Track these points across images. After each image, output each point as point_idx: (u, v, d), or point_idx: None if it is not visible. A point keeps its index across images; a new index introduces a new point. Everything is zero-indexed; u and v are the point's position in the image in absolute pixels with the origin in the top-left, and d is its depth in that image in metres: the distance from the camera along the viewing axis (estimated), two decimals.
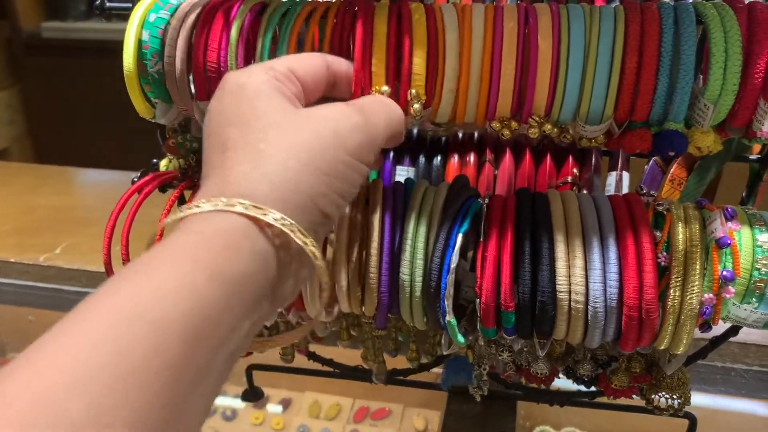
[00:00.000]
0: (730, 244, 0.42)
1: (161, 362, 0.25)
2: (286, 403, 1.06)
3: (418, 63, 0.43)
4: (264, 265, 0.31)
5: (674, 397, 0.51)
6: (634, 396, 0.54)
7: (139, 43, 0.46)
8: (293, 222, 0.32)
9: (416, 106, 0.44)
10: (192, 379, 0.27)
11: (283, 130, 0.33)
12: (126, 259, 0.50)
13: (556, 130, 0.44)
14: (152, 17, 0.46)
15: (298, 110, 0.35)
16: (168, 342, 0.26)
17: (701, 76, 0.45)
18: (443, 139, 0.63)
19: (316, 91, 0.39)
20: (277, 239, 0.32)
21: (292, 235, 0.32)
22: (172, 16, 0.46)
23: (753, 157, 0.57)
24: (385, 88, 0.42)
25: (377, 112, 0.38)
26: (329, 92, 0.41)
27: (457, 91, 0.43)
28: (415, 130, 0.64)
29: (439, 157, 0.61)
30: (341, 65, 0.41)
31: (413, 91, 0.44)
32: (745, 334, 0.70)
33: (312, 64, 0.39)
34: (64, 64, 2.59)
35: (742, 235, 0.44)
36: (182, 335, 0.26)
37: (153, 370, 0.25)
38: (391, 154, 0.62)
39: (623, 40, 0.41)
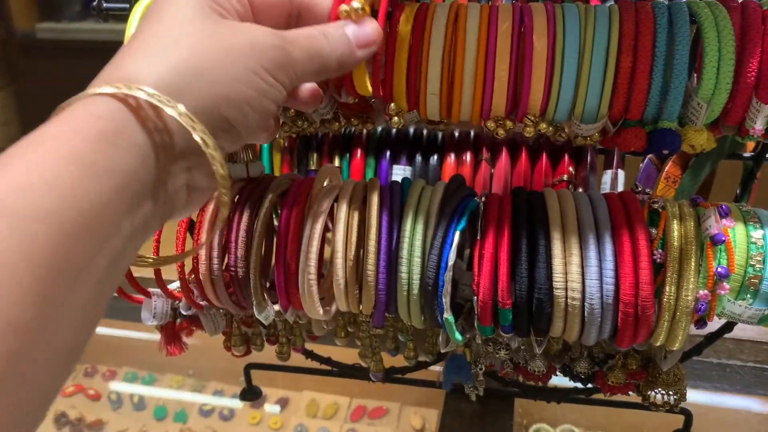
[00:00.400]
0: (724, 240, 0.43)
1: (29, 258, 0.24)
2: (283, 403, 1.06)
3: (399, 66, 0.43)
4: (143, 157, 0.29)
5: (670, 393, 0.52)
6: (630, 392, 0.54)
7: None
8: (177, 104, 0.29)
9: (395, 119, 0.45)
10: (68, 278, 0.25)
11: (196, 29, 0.32)
12: None
13: (551, 129, 0.44)
14: None
15: (222, 19, 0.34)
16: (35, 237, 0.24)
17: (695, 75, 0.45)
18: (439, 138, 0.63)
19: (271, 16, 0.38)
20: (160, 124, 0.30)
21: (171, 112, 0.29)
22: None
23: (747, 154, 0.58)
24: (356, 4, 0.39)
25: (302, 42, 0.36)
26: (295, 24, 0.40)
27: (442, 93, 0.43)
28: (411, 129, 0.64)
29: (435, 156, 0.62)
30: None
31: (392, 105, 0.44)
32: (740, 331, 0.71)
33: None
34: (59, 65, 2.58)
35: (736, 232, 0.44)
36: (47, 227, 0.25)
37: (21, 266, 0.24)
38: (388, 153, 0.62)
39: (618, 40, 0.41)
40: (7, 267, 0.23)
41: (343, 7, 0.40)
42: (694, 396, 0.69)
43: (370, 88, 0.43)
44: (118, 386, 1.12)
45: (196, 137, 0.30)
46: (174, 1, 0.33)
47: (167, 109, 0.29)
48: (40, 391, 0.25)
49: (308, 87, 0.42)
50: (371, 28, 0.39)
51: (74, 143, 0.27)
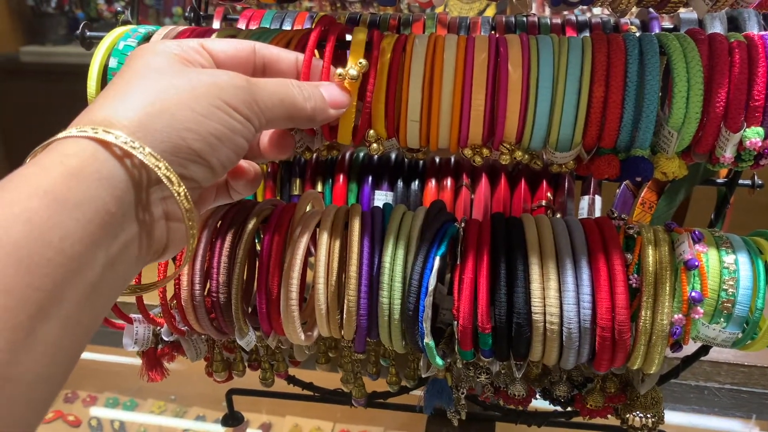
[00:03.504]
0: (697, 266, 0.44)
1: None
2: (266, 428, 1.05)
3: (379, 93, 0.44)
4: (112, 189, 0.30)
5: (648, 416, 0.52)
6: (609, 416, 0.55)
7: (105, 70, 0.47)
8: (144, 145, 0.31)
9: (374, 146, 0.46)
10: (38, 307, 0.26)
11: (161, 75, 0.34)
12: None
13: (527, 156, 0.45)
14: (121, 45, 0.48)
15: (188, 67, 0.36)
16: (2, 268, 0.25)
17: (667, 105, 0.46)
18: (420, 164, 0.64)
19: (236, 71, 0.39)
20: (128, 161, 0.31)
21: (136, 153, 0.31)
22: (139, 43, 0.48)
23: (720, 180, 0.59)
24: (353, 71, 0.43)
25: (270, 86, 0.38)
26: (261, 75, 0.42)
27: (422, 120, 0.44)
28: (393, 155, 0.65)
29: (417, 182, 0.62)
30: (270, 49, 0.42)
31: (371, 131, 0.46)
32: (717, 353, 0.72)
33: (233, 45, 0.40)
34: (43, 88, 2.58)
35: (709, 257, 0.45)
36: (16, 260, 0.26)
37: None
38: (370, 179, 0.63)
39: (590, 71, 0.42)
40: None
41: (339, 70, 0.43)
42: (673, 418, 0.70)
43: (350, 138, 0.45)
44: (99, 412, 1.10)
45: (160, 175, 0.32)
46: (144, 55, 0.36)
47: (133, 151, 0.31)
48: (17, 421, 0.26)
49: (268, 139, 0.44)
50: (342, 93, 0.43)
51: (43, 180, 0.28)
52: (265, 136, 0.44)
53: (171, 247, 0.36)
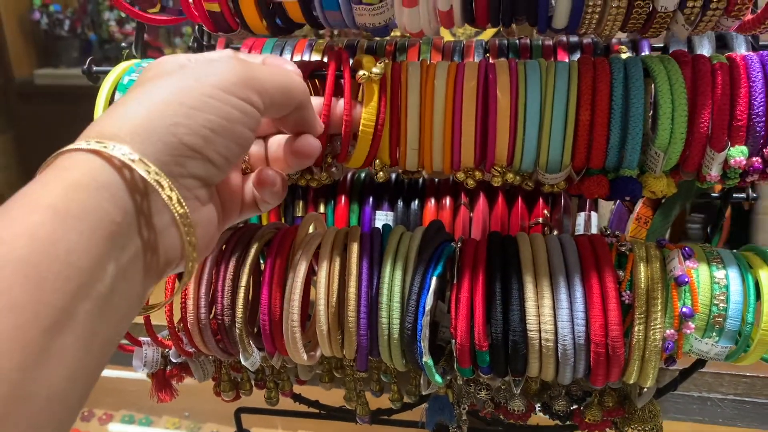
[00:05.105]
0: (687, 282, 0.45)
1: (8, 306, 0.25)
2: None
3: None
4: (113, 199, 0.30)
5: (646, 429, 0.53)
6: (607, 429, 0.56)
7: (111, 104, 0.48)
8: (139, 154, 0.31)
9: (380, 174, 0.48)
10: (49, 322, 0.26)
11: (153, 81, 0.34)
12: None
13: (518, 178, 0.46)
14: (126, 80, 0.49)
15: (184, 66, 0.36)
16: (12, 285, 0.25)
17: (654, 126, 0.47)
18: (420, 183, 0.65)
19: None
20: (125, 170, 0.31)
21: (132, 165, 0.30)
22: None
23: (715, 194, 0.60)
24: (376, 70, 0.45)
25: (263, 67, 0.37)
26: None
27: (420, 148, 0.46)
28: (393, 176, 0.66)
29: (416, 201, 0.64)
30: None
31: (377, 161, 0.47)
32: (719, 364, 0.72)
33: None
34: (57, 110, 2.62)
35: (699, 273, 0.46)
36: (23, 276, 0.25)
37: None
38: (371, 200, 0.64)
39: (577, 95, 0.43)
40: None
41: (361, 72, 0.44)
42: (676, 429, 0.70)
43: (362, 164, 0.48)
44: (115, 429, 1.12)
45: (150, 180, 0.31)
46: (150, 67, 0.36)
47: (123, 158, 0.30)
48: None
49: (285, 145, 0.44)
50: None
51: (44, 195, 0.28)
52: (283, 142, 0.43)
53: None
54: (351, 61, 0.48)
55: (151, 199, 0.32)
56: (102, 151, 0.30)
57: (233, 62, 0.36)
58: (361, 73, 0.44)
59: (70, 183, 0.29)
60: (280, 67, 0.39)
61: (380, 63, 0.45)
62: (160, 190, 0.31)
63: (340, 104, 0.46)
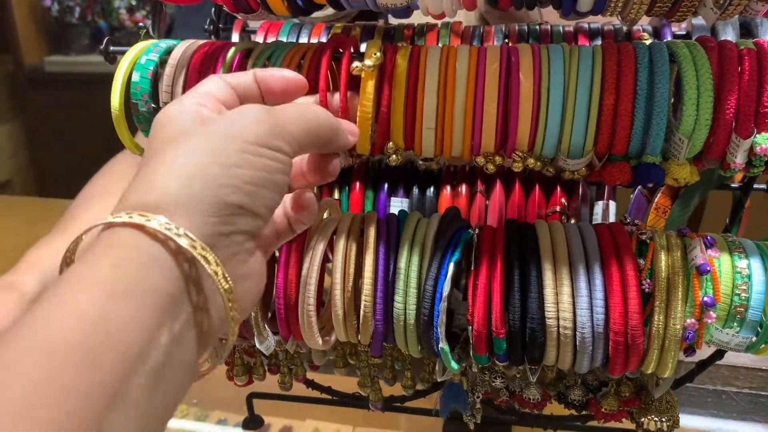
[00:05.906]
0: (709, 270, 0.44)
1: (59, 389, 0.25)
2: (286, 431, 1.07)
3: (397, 105, 0.45)
4: (163, 271, 0.30)
5: (663, 419, 0.53)
6: (624, 419, 0.55)
7: (127, 85, 0.48)
8: (183, 228, 0.31)
9: (393, 157, 0.47)
10: (104, 402, 0.26)
11: (179, 142, 0.34)
12: None
13: (539, 164, 0.46)
14: (143, 59, 0.49)
15: (205, 121, 0.36)
16: (60, 368, 0.25)
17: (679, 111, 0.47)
18: (435, 170, 0.65)
19: (250, 99, 0.40)
20: (171, 242, 0.31)
21: (171, 235, 0.30)
22: (161, 57, 0.49)
23: (735, 185, 0.59)
24: (368, 62, 0.44)
25: (287, 110, 0.37)
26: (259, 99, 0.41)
27: (436, 128, 0.45)
28: (409, 164, 0.66)
29: (432, 189, 0.63)
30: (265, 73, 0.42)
31: (389, 144, 0.47)
32: (735, 357, 0.72)
33: (237, 79, 0.40)
34: (66, 98, 2.63)
35: (721, 262, 0.45)
36: (75, 359, 0.26)
37: (52, 399, 0.24)
38: (386, 186, 0.64)
39: (601, 79, 0.43)
40: (38, 401, 0.24)
41: (355, 63, 0.44)
42: (691, 422, 0.70)
43: (368, 149, 0.47)
44: None
45: (197, 255, 0.31)
46: (165, 123, 0.36)
47: (168, 232, 0.30)
48: None
49: (306, 164, 0.43)
50: (353, 124, 0.44)
51: (91, 275, 0.29)
52: (304, 162, 0.43)
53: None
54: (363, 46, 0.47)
55: (198, 266, 0.32)
56: (146, 226, 0.30)
57: (258, 113, 0.36)
58: (354, 65, 0.44)
59: (116, 262, 0.29)
60: (303, 106, 0.39)
61: (375, 55, 0.44)
62: (206, 266, 0.32)
63: (336, 97, 0.46)
